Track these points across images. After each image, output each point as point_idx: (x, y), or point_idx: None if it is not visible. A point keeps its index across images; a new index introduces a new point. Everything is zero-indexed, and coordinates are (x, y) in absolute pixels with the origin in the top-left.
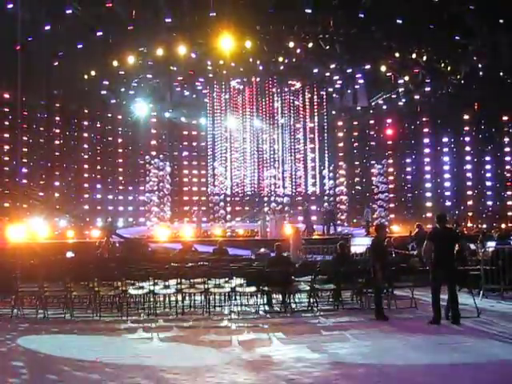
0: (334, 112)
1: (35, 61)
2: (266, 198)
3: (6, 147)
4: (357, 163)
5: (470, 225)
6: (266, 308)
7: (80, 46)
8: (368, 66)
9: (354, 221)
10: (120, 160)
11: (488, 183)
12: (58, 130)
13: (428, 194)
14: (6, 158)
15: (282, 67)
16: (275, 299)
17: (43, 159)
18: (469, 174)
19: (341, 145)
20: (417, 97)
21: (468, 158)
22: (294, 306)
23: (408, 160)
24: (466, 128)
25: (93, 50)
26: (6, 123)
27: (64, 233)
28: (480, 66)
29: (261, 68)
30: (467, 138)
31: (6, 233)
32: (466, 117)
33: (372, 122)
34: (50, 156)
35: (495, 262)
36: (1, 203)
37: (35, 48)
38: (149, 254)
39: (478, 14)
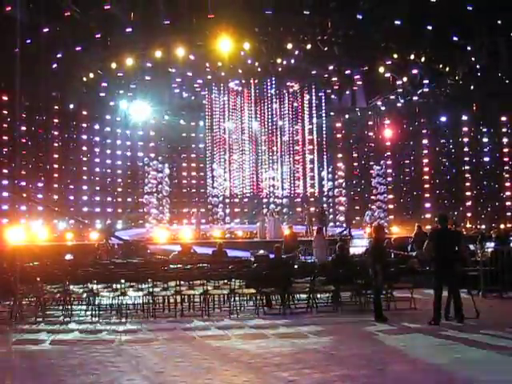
0: (332, 113)
1: (34, 63)
2: (264, 200)
3: (5, 149)
4: (355, 164)
5: (468, 225)
6: (265, 309)
7: (79, 48)
8: (366, 68)
9: (353, 222)
10: (119, 162)
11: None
12: (56, 132)
13: (427, 195)
14: (5, 161)
15: (280, 69)
16: (274, 300)
17: (42, 161)
18: (467, 175)
19: (339, 146)
20: (415, 98)
21: (466, 158)
22: (293, 307)
23: (407, 161)
24: (465, 129)
25: (91, 52)
26: (5, 125)
27: (63, 235)
28: (478, 66)
29: (259, 69)
30: (466, 139)
31: (5, 235)
32: (465, 118)
33: (370, 123)
34: (49, 158)
35: (494, 262)
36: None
37: (34, 50)
38: (148, 256)
39: (476, 14)
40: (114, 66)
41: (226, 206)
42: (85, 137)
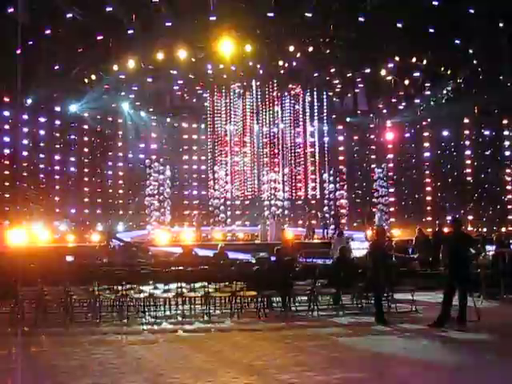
0: (334, 116)
1: (35, 65)
2: (266, 202)
3: (7, 151)
4: (357, 167)
5: (470, 228)
6: (267, 312)
7: (80, 50)
8: (368, 70)
9: (355, 224)
10: (120, 164)
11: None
12: (58, 134)
13: (428, 198)
14: (6, 162)
15: (282, 71)
16: (275, 303)
17: (43, 163)
18: (469, 178)
19: (341, 149)
20: (417, 100)
21: (468, 161)
22: (294, 309)
23: (408, 164)
24: (466, 132)
25: (93, 54)
26: (7, 127)
27: (64, 237)
28: (480, 69)
29: (261, 72)
30: (467, 142)
31: (6, 237)
32: (466, 120)
33: (372, 125)
34: (51, 160)
35: (495, 265)
36: (1, 207)
37: (36, 52)
38: (149, 258)
39: (478, 17)
40: (115, 67)
41: (228, 209)
42: (86, 138)
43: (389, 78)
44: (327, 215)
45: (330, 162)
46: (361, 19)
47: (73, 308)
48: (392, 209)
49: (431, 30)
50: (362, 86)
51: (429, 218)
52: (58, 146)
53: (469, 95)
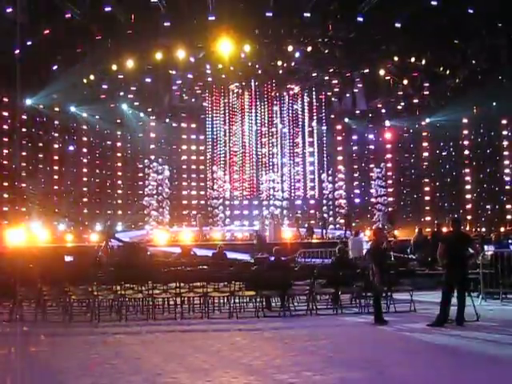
0: (332, 116)
1: (34, 65)
2: (264, 202)
3: (5, 151)
4: (356, 167)
5: (468, 228)
6: (265, 312)
7: (79, 50)
8: (367, 70)
9: (353, 224)
10: (119, 164)
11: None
12: (56, 134)
13: (427, 198)
14: (5, 162)
15: (280, 71)
16: (274, 303)
17: (42, 163)
18: (468, 178)
19: (340, 148)
20: (416, 100)
21: (466, 161)
22: (292, 309)
23: (407, 164)
24: (465, 131)
25: (92, 53)
26: (5, 127)
27: (63, 237)
28: (479, 69)
29: (260, 72)
30: (466, 142)
31: (5, 237)
32: (465, 120)
33: (371, 125)
34: (49, 160)
35: (494, 265)
36: (0, 207)
37: (34, 52)
38: (148, 258)
39: (477, 17)
40: (114, 67)
41: (226, 208)
42: (85, 138)
43: (387, 77)
44: (325, 215)
45: (329, 161)
46: (359, 19)
47: (72, 308)
48: (390, 209)
49: (430, 30)
50: (360, 85)
51: (427, 218)
52: (56, 146)
53: (467, 95)
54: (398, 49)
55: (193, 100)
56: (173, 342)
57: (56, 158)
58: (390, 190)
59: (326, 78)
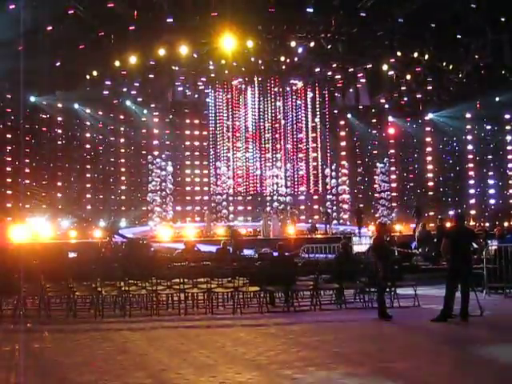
0: (336, 111)
1: (37, 61)
2: (268, 198)
3: (9, 147)
4: (359, 162)
5: (472, 223)
6: (269, 307)
7: (82, 47)
8: (370, 65)
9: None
10: (122, 160)
11: (490, 181)
12: (60, 130)
13: (430, 193)
14: (9, 158)
15: (283, 66)
16: (278, 298)
17: (46, 159)
18: (471, 173)
19: (343, 144)
20: (419, 95)
21: (470, 156)
22: (296, 305)
23: (410, 159)
24: (468, 126)
25: (95, 50)
26: (9, 123)
27: (67, 233)
28: (482, 64)
29: (263, 67)
30: (469, 137)
31: (8, 233)
32: (468, 115)
33: (374, 120)
34: (53, 156)
35: (498, 260)
36: (4, 203)
37: (37, 48)
38: (151, 254)
39: (480, 12)
40: (117, 63)
41: (230, 204)
42: (88, 135)
43: (391, 72)
44: (329, 210)
45: (332, 157)
46: (362, 14)
47: (76, 304)
48: (394, 204)
49: (433, 25)
50: (363, 81)
51: (431, 213)
52: (59, 143)
53: (471, 90)
54: (401, 44)
55: (196, 96)
56: (177, 338)
57: (59, 154)
58: (394, 185)
59: (329, 73)
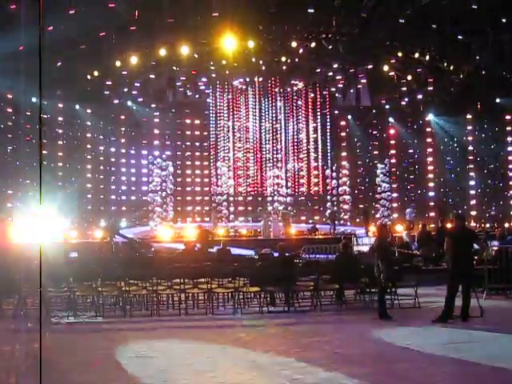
0: (336, 111)
1: (38, 61)
2: (269, 198)
3: (10, 147)
4: (360, 163)
5: (473, 224)
6: (270, 308)
7: (83, 47)
8: (371, 66)
9: (357, 220)
10: (123, 160)
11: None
12: (60, 131)
13: (431, 194)
14: (10, 159)
15: (284, 67)
16: (278, 299)
17: (46, 159)
18: (472, 173)
19: (344, 144)
20: (420, 96)
21: (471, 157)
22: (297, 305)
23: (411, 159)
24: (469, 127)
25: (95, 50)
26: (10, 123)
27: (67, 233)
28: (483, 65)
29: (263, 68)
30: (470, 138)
31: (9, 233)
32: (469, 116)
33: (375, 121)
34: (53, 156)
35: (498, 261)
36: (4, 203)
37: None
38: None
39: (481, 12)
40: (118, 64)
41: (230, 205)
42: (89, 135)
43: (391, 73)
44: (335, 208)
45: (333, 157)
46: (363, 15)
47: (76, 304)
48: (395, 204)
49: (434, 26)
50: (364, 81)
51: (432, 214)
52: (60, 143)
53: (471, 90)
54: (401, 44)
55: (196, 96)
56: (177, 338)
57: (60, 154)
58: (394, 185)
59: (330, 73)
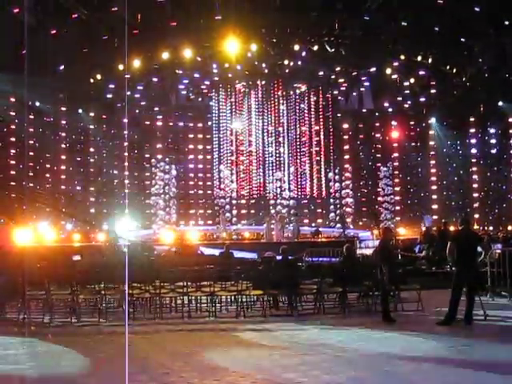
0: (339, 114)
1: (41, 65)
2: (271, 201)
3: (13, 151)
4: (362, 166)
5: (476, 227)
6: (273, 311)
7: (86, 50)
8: (373, 69)
9: (360, 223)
10: (126, 163)
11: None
12: (63, 134)
13: (434, 196)
14: (13, 162)
15: (287, 70)
16: (281, 302)
17: (49, 162)
18: (475, 176)
19: (346, 147)
20: (422, 99)
21: (474, 159)
22: (300, 308)
23: (414, 162)
24: (472, 130)
25: (98, 53)
26: (13, 127)
27: (70, 236)
28: (486, 67)
29: (266, 71)
30: (473, 140)
31: (12, 236)
32: (472, 119)
33: (377, 124)
34: (56, 159)
35: (502, 264)
36: (7, 207)
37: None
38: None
39: (484, 15)
40: (121, 67)
41: (233, 208)
42: (92, 138)
43: (394, 76)
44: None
45: (336, 160)
46: (366, 18)
47: (79, 307)
48: (398, 207)
49: (436, 29)
50: (367, 84)
51: (435, 217)
52: (63, 146)
53: (474, 93)
54: (404, 47)
55: (199, 99)
56: (180, 341)
57: (63, 157)
58: (397, 188)
59: (333, 76)
